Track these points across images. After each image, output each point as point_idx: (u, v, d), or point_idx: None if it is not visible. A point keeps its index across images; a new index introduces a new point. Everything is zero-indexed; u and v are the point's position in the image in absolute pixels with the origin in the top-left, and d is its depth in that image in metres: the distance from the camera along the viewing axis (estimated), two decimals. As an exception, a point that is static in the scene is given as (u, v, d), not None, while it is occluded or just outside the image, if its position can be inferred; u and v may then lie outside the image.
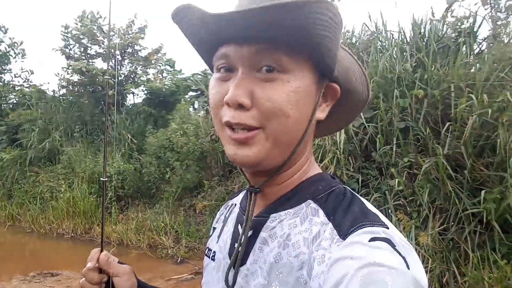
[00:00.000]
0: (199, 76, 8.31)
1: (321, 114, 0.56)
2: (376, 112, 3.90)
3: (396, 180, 3.41)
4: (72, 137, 8.43)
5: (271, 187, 0.58)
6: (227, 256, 0.61)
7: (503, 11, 4.21)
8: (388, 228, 0.48)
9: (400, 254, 0.43)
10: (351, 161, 3.78)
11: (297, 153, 0.55)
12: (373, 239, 0.45)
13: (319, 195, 0.55)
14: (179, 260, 5.19)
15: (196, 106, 8.35)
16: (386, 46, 4.59)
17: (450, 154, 3.46)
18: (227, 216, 0.70)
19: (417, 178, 3.46)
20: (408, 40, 4.51)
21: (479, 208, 3.16)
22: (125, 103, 9.31)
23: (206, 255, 0.70)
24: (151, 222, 6.08)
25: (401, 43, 4.48)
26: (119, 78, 8.82)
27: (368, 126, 3.87)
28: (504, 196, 3.14)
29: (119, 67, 9.04)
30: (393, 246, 0.44)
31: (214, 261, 0.65)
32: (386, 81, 4.06)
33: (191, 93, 8.78)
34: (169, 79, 9.26)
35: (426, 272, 3.01)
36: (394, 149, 3.65)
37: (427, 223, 3.25)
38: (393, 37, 4.69)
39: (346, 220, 0.49)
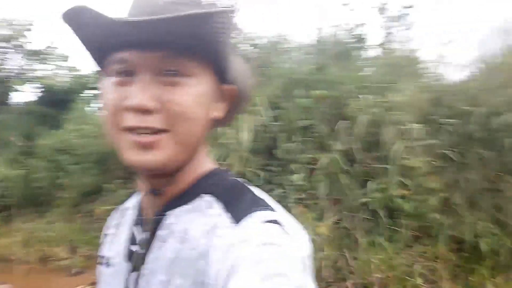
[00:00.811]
0: (96, 74, 7.99)
1: (220, 113, 0.62)
2: (280, 111, 4.31)
3: (296, 175, 3.84)
4: None
5: (168, 186, 0.61)
6: (124, 259, 0.64)
7: (391, 21, 5.00)
8: (276, 211, 0.56)
9: (289, 233, 0.52)
10: (255, 159, 4.13)
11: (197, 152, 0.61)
12: (264, 222, 0.52)
13: (214, 189, 0.61)
14: (74, 271, 5.00)
15: (93, 105, 8.03)
16: (290, 49, 5.09)
17: (345, 149, 4.01)
18: (120, 221, 0.73)
19: (316, 173, 3.93)
20: (311, 43, 5.07)
21: (367, 198, 3.73)
22: (8, 101, 8.46)
23: (99, 263, 0.71)
24: (41, 232, 5.74)
25: (304, 46, 5.01)
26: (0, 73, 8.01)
27: (273, 124, 4.27)
28: (387, 186, 3.76)
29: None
30: (282, 226, 0.52)
31: (109, 267, 0.67)
32: (290, 82, 4.51)
33: (88, 92, 8.42)
34: (63, 75, 8.73)
35: (323, 259, 3.47)
36: (295, 146, 4.08)
37: (325, 214, 3.73)
38: (296, 40, 5.23)
39: (239, 208, 0.56)
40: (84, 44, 0.58)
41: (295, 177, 3.87)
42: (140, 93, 0.52)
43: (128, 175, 5.83)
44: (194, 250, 0.54)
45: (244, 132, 4.06)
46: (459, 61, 4.84)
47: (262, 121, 4.22)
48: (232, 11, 0.52)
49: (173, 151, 0.55)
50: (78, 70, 8.81)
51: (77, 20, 0.52)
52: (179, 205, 0.60)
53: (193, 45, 0.52)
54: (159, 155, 0.54)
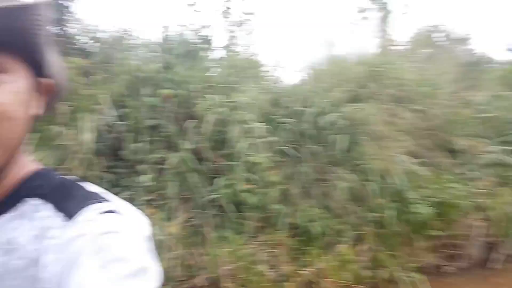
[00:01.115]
0: None
1: (40, 110, 0.61)
2: (125, 110, 4.29)
3: (146, 176, 3.91)
4: None
5: None
6: None
7: (234, 24, 5.53)
8: (111, 201, 0.58)
9: (126, 219, 0.55)
10: (99, 161, 4.02)
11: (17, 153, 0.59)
12: (99, 213, 0.54)
13: (40, 191, 0.59)
14: None
15: None
16: (135, 46, 5.10)
17: (194, 148, 4.26)
18: None
19: (165, 172, 4.08)
20: (157, 41, 5.18)
21: (216, 194, 4.07)
22: None
23: None
24: None
25: (150, 43, 5.08)
26: None
27: (119, 124, 4.22)
28: (235, 182, 4.18)
29: None
30: (119, 215, 0.55)
31: None
32: (136, 79, 4.52)
33: None
34: None
35: (173, 258, 3.64)
36: (143, 146, 4.14)
37: (175, 214, 3.90)
38: (142, 37, 5.26)
39: (71, 206, 0.56)
40: None
41: (143, 178, 3.93)
42: None
43: None
44: (22, 259, 0.53)
45: (85, 132, 3.89)
46: (293, 67, 5.71)
47: (106, 121, 4.12)
48: (48, 4, 0.52)
49: None
50: None
51: None
52: (0, 214, 0.58)
53: (6, 39, 0.51)
54: None
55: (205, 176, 4.21)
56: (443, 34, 8.30)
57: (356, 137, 5.27)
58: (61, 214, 0.55)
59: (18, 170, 0.60)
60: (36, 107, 0.61)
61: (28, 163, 0.63)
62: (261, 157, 4.45)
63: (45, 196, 0.59)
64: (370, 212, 4.75)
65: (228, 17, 5.63)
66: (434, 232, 4.91)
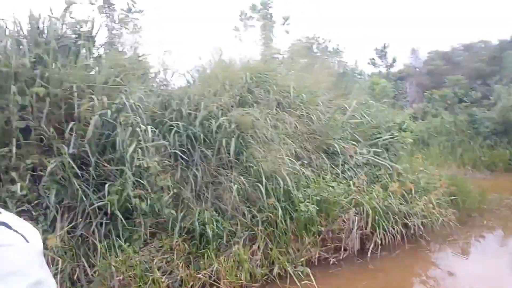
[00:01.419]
0: None
1: None
2: (-11, 109, 3.90)
3: (18, 184, 3.61)
4: None
5: None
6: None
7: (117, 22, 5.46)
8: (0, 213, 0.60)
9: (17, 231, 0.56)
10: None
11: None
12: None
13: None
14: None
15: None
16: (-1, 37, 4.65)
17: (76, 153, 4.08)
18: None
19: (42, 180, 3.81)
20: (25, 33, 4.80)
21: (104, 201, 3.96)
22: None
23: None
24: None
25: (16, 35, 4.69)
26: None
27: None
28: (124, 187, 4.13)
29: None
30: (9, 227, 0.56)
31: None
32: (1, 75, 4.14)
33: None
34: None
35: (57, 273, 3.43)
36: (14, 151, 3.81)
37: (56, 225, 3.68)
38: (6, 27, 4.81)
39: None
40: None
41: (16, 186, 3.61)
42: None
43: None
44: None
45: None
46: (180, 69, 5.88)
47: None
48: None
49: None
50: None
51: None
52: None
53: None
54: None
55: (91, 182, 4.06)
56: (319, 46, 9.44)
57: (244, 140, 5.67)
58: None
59: None
60: None
61: None
62: (151, 162, 4.48)
63: None
64: (261, 213, 5.16)
65: (108, 14, 5.52)
66: (318, 228, 5.55)
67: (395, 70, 24.70)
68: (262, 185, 5.23)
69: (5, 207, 3.65)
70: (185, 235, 4.52)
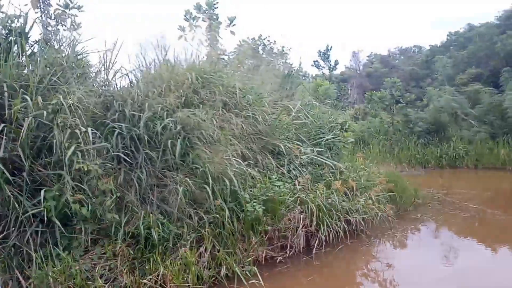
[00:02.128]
0: None
1: None
2: None
3: None
4: None
5: None
6: None
7: (52, 18, 5.16)
8: None
9: None
10: None
11: None
12: None
13: None
14: None
15: None
16: None
17: (7, 157, 3.81)
18: None
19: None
20: None
21: (40, 208, 3.73)
22: None
23: None
24: None
25: None
26: None
27: None
28: (62, 192, 3.92)
29: None
30: None
31: None
32: None
33: None
34: None
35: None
36: None
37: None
38: None
39: None
40: None
41: None
42: None
43: None
44: None
45: None
46: (122, 69, 5.66)
47: None
48: None
49: None
50: None
51: None
52: None
53: None
54: None
55: (24, 188, 3.80)
56: (265, 47, 9.55)
57: (190, 141, 5.59)
58: None
59: None
60: None
61: None
62: (92, 165, 4.29)
63: None
64: (208, 214, 5.12)
65: (43, 9, 5.20)
66: (265, 227, 5.61)
67: (338, 72, 25.69)
68: (209, 186, 5.19)
69: None
70: (130, 240, 4.37)
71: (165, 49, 6.42)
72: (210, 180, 5.23)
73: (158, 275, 4.25)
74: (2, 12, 4.77)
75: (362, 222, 6.79)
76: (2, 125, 3.94)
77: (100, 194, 4.28)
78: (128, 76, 5.81)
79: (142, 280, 4.13)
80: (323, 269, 5.76)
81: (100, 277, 3.85)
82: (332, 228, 6.25)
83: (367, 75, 23.26)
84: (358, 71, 24.66)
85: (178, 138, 5.35)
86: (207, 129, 5.80)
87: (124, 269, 4.08)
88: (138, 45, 6.05)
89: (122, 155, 4.76)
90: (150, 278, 4.19)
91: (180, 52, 6.68)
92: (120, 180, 4.62)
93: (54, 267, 3.59)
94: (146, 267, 4.29)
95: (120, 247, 4.17)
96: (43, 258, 3.60)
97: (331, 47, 26.31)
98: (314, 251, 5.99)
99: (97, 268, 3.87)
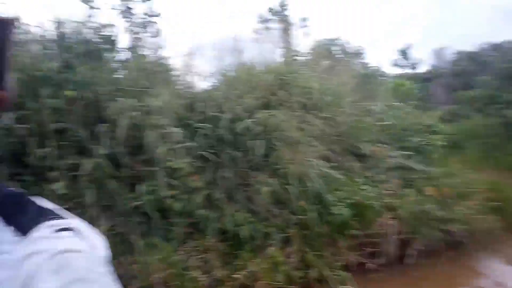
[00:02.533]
0: None
1: None
2: (24, 112, 4.35)
3: (58, 183, 4.03)
4: None
5: None
6: None
7: (138, 26, 5.98)
8: (66, 218, 0.66)
9: (84, 238, 0.62)
10: (0, 168, 4.00)
11: None
12: (56, 231, 0.60)
13: None
14: None
15: None
16: (26, 40, 5.16)
17: (109, 154, 4.50)
18: None
19: (80, 179, 4.23)
20: (52, 38, 5.32)
21: (140, 201, 4.35)
22: None
23: None
24: None
25: (43, 40, 5.21)
26: None
27: (18, 127, 4.26)
28: (157, 188, 4.52)
29: None
30: (76, 232, 0.62)
31: None
32: (33, 79, 4.63)
33: None
34: None
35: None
36: (52, 152, 4.25)
37: (96, 223, 4.06)
38: (32, 32, 5.33)
39: (24, 221, 0.62)
40: None
41: (56, 185, 4.02)
42: None
43: None
44: None
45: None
46: (203, 72, 6.35)
47: (2, 123, 4.14)
48: (15, 21, 0.59)
49: None
50: None
51: None
52: None
53: None
54: None
55: (125, 182, 4.46)
56: (340, 48, 9.92)
57: (271, 142, 6.05)
58: (11, 228, 0.61)
59: None
60: None
61: None
62: (181, 163, 4.88)
63: None
64: (294, 215, 5.48)
65: (129, 18, 6.05)
66: (353, 232, 5.82)
67: (421, 71, 25.19)
68: (292, 187, 5.56)
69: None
70: (219, 236, 4.86)
71: (241, 52, 7.03)
72: (292, 181, 5.60)
73: (248, 272, 4.67)
74: (95, 22, 5.63)
75: (462, 233, 6.67)
76: (103, 125, 4.67)
77: (190, 191, 4.84)
78: (208, 79, 6.48)
79: (235, 275, 4.57)
80: (421, 281, 5.77)
81: (195, 268, 4.36)
82: (428, 237, 6.24)
83: (453, 74, 22.57)
84: (443, 70, 23.99)
85: (259, 139, 5.83)
86: (287, 130, 6.23)
87: (217, 263, 4.56)
88: (215, 48, 6.72)
89: (208, 155, 5.33)
90: (241, 274, 4.62)
91: (255, 54, 7.24)
92: (207, 178, 5.17)
93: (155, 255, 4.15)
94: (237, 263, 4.74)
95: (211, 242, 4.67)
96: (146, 246, 4.19)
97: (411, 45, 25.99)
98: (408, 261, 6.04)
99: (192, 260, 4.39)
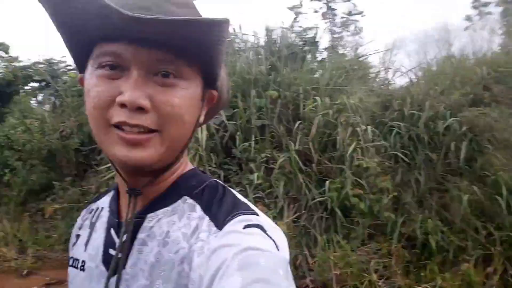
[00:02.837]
0: (42, 66, 8.48)
1: (202, 117, 0.72)
2: (235, 110, 4.90)
3: (255, 174, 4.39)
4: None
5: (149, 187, 0.69)
6: (101, 264, 0.70)
7: (339, 26, 5.92)
8: (258, 215, 0.66)
9: (270, 237, 0.61)
10: (213, 158, 4.63)
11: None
12: (246, 226, 0.61)
13: (194, 191, 0.71)
14: (25, 272, 5.44)
15: (40, 98, 8.59)
16: (243, 49, 5.75)
17: (300, 149, 4.65)
18: (93, 221, 0.79)
19: (273, 172, 4.51)
20: (263, 44, 5.78)
21: (324, 197, 4.37)
22: None
23: (71, 265, 0.78)
24: (-14, 231, 5.90)
25: (256, 46, 5.69)
26: None
27: (229, 123, 4.83)
28: (343, 185, 4.44)
29: None
30: (264, 231, 0.61)
31: (84, 271, 0.73)
32: (244, 81, 5.12)
33: (33, 84, 8.87)
34: (3, 66, 8.87)
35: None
36: (252, 146, 4.66)
37: (283, 213, 4.29)
38: (248, 41, 5.92)
39: (220, 212, 0.65)
40: (64, 31, 0.63)
41: (254, 176, 4.40)
42: (134, 90, 0.58)
43: (80, 173, 6.24)
44: (176, 254, 0.63)
45: (202, 130, 4.54)
46: (401, 67, 5.88)
47: (219, 120, 4.74)
48: (229, 22, 0.59)
49: (159, 151, 0.62)
50: (20, 61, 8.98)
51: (66, 3, 0.57)
52: (160, 207, 0.69)
53: (194, 50, 0.60)
54: (147, 152, 0.61)
55: (313, 177, 4.54)
56: None
57: (479, 145, 5.21)
58: (210, 218, 0.65)
59: (177, 169, 0.73)
60: (202, 115, 0.72)
61: (185, 163, 0.76)
62: (372, 162, 4.66)
63: (198, 196, 0.70)
64: (501, 231, 4.63)
65: (331, 18, 6.04)
66: None
67: None
68: (502, 198, 4.69)
69: (245, 193, 4.50)
70: (405, 242, 4.50)
71: (448, 43, 6.23)
72: (504, 191, 4.73)
73: (435, 286, 4.19)
74: (300, 27, 5.86)
75: None
76: (298, 122, 4.84)
77: (377, 191, 4.59)
78: (408, 75, 5.98)
79: (417, 286, 4.17)
80: None
81: (375, 272, 4.14)
82: None
83: None
84: None
85: (463, 140, 5.11)
86: (501, 131, 5.26)
87: (398, 270, 4.23)
88: (417, 41, 6.12)
89: (400, 155, 4.95)
90: (426, 287, 4.18)
91: (466, 44, 6.29)
92: (397, 180, 4.82)
93: (335, 252, 4.12)
94: (422, 273, 4.30)
95: (395, 247, 4.36)
96: (326, 242, 4.20)
97: None
98: None
99: (372, 263, 4.18)
